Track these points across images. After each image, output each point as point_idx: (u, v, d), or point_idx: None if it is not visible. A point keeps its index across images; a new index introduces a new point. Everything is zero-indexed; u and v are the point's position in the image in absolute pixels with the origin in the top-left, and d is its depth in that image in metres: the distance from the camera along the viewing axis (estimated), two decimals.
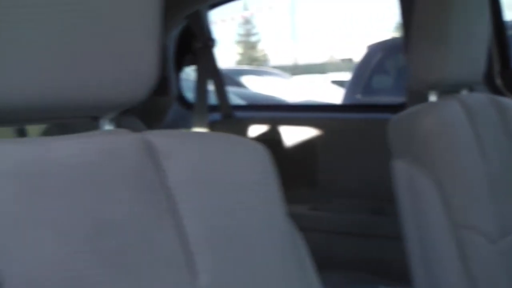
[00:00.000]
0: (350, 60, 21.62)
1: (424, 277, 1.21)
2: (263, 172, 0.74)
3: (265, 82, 8.48)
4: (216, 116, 2.29)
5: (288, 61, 25.71)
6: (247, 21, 29.65)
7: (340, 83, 9.69)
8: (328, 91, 9.56)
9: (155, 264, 0.60)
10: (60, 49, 0.58)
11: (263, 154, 0.76)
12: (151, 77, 0.65)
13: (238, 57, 29.79)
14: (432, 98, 1.29)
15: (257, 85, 8.07)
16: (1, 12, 0.55)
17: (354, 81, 5.17)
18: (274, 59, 29.18)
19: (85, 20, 0.59)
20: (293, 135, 2.16)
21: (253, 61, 28.68)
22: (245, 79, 8.14)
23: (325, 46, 29.76)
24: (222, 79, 2.29)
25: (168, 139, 0.68)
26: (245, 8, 22.35)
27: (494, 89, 1.72)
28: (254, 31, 30.78)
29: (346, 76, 10.83)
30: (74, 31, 0.59)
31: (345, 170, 2.07)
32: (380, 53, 5.06)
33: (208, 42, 2.24)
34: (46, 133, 1.36)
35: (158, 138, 0.67)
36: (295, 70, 18.67)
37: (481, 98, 1.39)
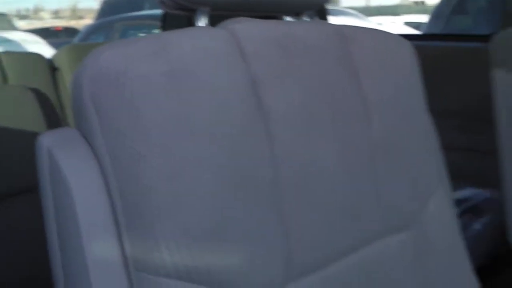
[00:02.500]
0: (422, 2, 21.23)
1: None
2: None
3: (341, 22, 8.50)
4: None
5: (360, 2, 25.39)
6: None
7: (413, 25, 9.66)
8: (403, 32, 9.52)
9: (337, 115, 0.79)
10: None
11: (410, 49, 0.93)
12: None
13: None
14: None
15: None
16: None
17: (433, 22, 5.20)
18: (346, 0, 28.78)
19: None
20: None
21: None
22: None
23: None
24: None
25: (350, 29, 0.86)
26: None
27: None
28: None
29: (419, 18, 10.78)
30: None
31: (441, 93, 2.23)
32: None
33: None
34: None
35: (345, 28, 0.85)
36: (368, 11, 18.47)
37: None
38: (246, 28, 0.73)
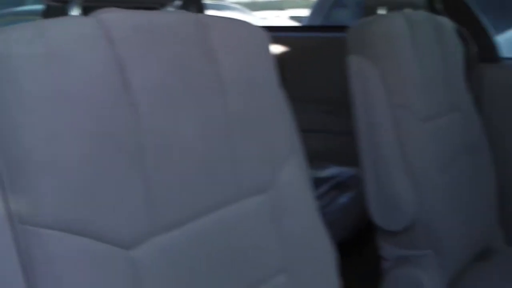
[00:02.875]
0: None
1: (369, 153, 1.55)
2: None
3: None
4: None
5: None
6: None
7: (298, 19, 9.95)
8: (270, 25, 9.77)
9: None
10: None
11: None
12: None
13: None
14: (382, 12, 1.64)
15: None
16: None
17: (313, 16, 5.44)
18: None
19: None
20: None
21: None
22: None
23: None
24: None
25: (209, 18, 0.97)
26: None
27: (434, 11, 2.05)
28: None
29: (304, 12, 11.12)
30: None
31: (306, 81, 2.40)
32: None
33: None
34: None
35: (205, 17, 0.97)
36: (254, 6, 18.74)
37: (421, 14, 1.73)
38: (113, 16, 0.84)
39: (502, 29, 2.91)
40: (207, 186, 0.89)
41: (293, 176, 1.04)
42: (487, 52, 2.12)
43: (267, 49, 1.05)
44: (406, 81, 1.55)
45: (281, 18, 11.61)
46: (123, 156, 0.79)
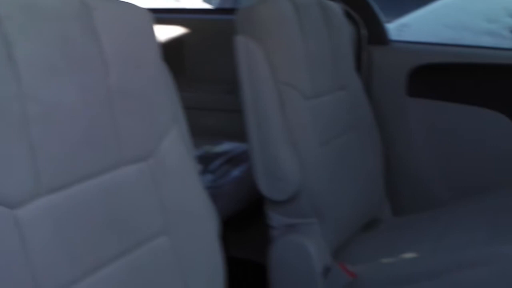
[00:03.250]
0: None
1: (255, 128, 1.64)
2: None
3: None
4: None
5: None
6: None
7: (210, 1, 9.99)
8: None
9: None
10: None
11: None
12: None
13: None
14: None
15: None
16: None
17: None
18: None
19: None
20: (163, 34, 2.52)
21: None
22: None
23: None
24: None
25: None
26: None
27: None
28: None
29: None
30: None
31: (209, 62, 2.47)
32: None
33: None
34: None
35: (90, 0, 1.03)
36: None
37: None
38: None
39: (394, 15, 3.06)
40: (89, 153, 0.96)
41: (174, 146, 1.11)
42: (376, 35, 2.25)
43: (150, 29, 1.12)
44: (291, 61, 1.65)
45: (194, 0, 11.62)
46: (8, 124, 0.85)
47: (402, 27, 2.95)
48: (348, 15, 2.14)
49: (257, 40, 1.60)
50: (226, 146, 1.94)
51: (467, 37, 2.94)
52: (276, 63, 1.61)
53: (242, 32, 1.62)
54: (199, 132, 2.21)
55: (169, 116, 1.12)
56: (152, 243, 1.05)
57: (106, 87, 0.99)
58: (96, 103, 0.98)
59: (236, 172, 1.84)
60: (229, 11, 3.16)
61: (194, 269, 1.12)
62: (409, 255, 1.68)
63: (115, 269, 0.97)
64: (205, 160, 1.89)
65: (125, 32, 1.06)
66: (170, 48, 2.50)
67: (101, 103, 0.99)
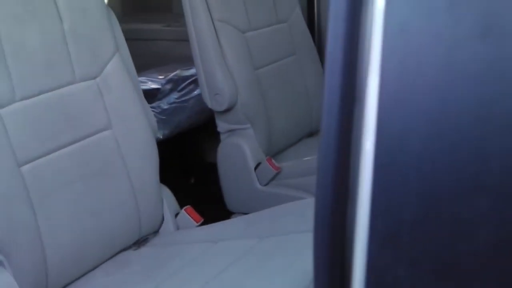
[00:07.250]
0: None
1: (198, 54, 2.08)
2: None
3: None
4: None
5: None
6: None
7: None
8: None
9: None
10: None
11: None
12: None
13: None
14: None
15: None
16: None
17: None
18: None
19: None
20: None
21: None
22: None
23: None
24: None
25: None
26: None
27: None
28: None
29: None
30: None
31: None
32: None
33: None
34: None
35: None
36: None
37: None
38: None
39: None
40: (51, 73, 1.46)
41: (116, 68, 1.60)
42: None
43: None
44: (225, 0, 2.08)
45: None
46: None
47: None
48: None
49: None
50: (193, 70, 2.38)
51: None
52: (213, 2, 2.04)
53: None
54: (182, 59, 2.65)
55: (111, 48, 1.60)
56: (99, 135, 1.55)
57: (61, 30, 1.48)
58: (54, 42, 1.47)
59: (198, 91, 2.30)
60: None
61: (130, 150, 1.60)
62: None
63: (70, 150, 1.47)
64: (175, 82, 2.37)
65: None
66: None
67: (57, 42, 1.48)
